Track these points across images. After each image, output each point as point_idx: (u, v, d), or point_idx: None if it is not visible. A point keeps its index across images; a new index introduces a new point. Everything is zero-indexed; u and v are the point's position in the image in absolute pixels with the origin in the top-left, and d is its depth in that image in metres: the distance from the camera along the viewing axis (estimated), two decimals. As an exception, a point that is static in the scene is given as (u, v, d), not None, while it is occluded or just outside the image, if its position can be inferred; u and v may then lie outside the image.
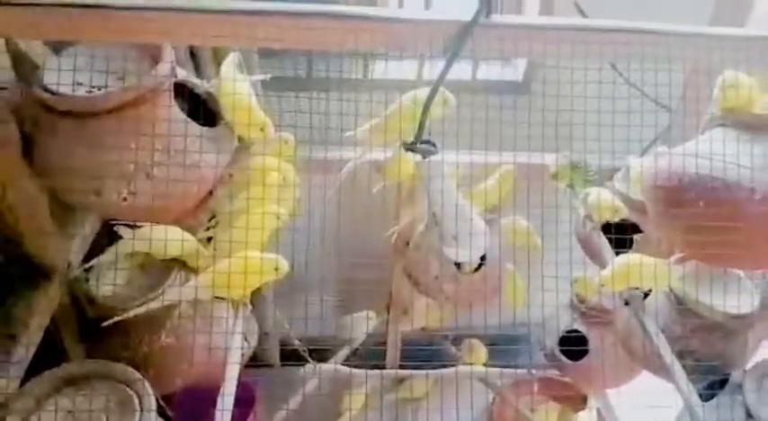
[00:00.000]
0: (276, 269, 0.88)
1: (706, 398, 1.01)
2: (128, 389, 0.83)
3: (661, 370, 0.96)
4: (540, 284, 1.56)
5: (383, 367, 1.65)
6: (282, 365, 1.73)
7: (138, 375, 0.84)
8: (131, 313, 0.87)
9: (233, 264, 0.86)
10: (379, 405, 1.56)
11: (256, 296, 1.42)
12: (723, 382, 1.02)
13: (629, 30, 0.85)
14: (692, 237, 0.97)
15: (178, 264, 0.95)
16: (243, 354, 1.44)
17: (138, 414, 0.79)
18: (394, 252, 1.42)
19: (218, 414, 0.75)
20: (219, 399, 0.76)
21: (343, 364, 1.51)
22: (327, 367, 1.37)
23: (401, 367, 1.66)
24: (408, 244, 1.38)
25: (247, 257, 0.87)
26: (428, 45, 0.78)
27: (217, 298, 0.90)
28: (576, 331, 1.49)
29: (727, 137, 0.93)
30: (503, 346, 1.71)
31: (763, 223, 0.87)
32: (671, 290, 1.06)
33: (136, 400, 0.81)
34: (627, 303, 1.02)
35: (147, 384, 0.82)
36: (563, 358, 1.49)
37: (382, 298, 1.59)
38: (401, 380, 1.65)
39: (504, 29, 0.78)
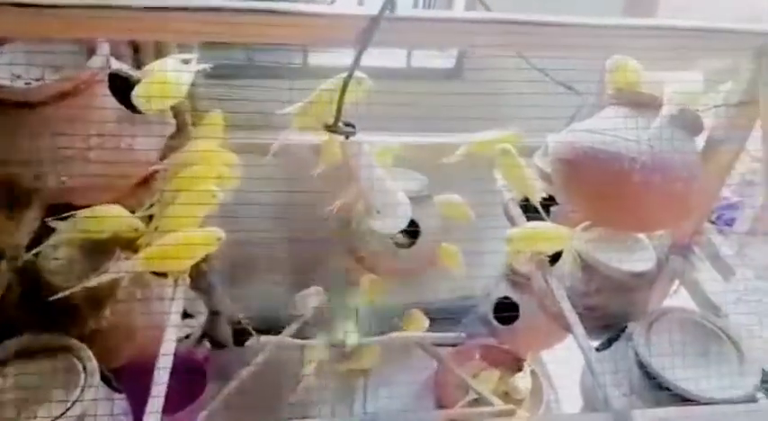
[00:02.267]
0: (217, 240, 0.95)
1: (607, 346, 1.14)
2: (72, 356, 0.90)
3: (568, 326, 1.07)
4: (480, 259, 1.68)
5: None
6: (235, 344, 1.80)
7: (80, 345, 0.91)
8: (77, 288, 0.93)
9: (172, 238, 0.93)
10: (329, 376, 1.65)
11: (204, 277, 1.49)
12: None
13: (533, 22, 0.90)
14: (589, 204, 1.10)
15: (120, 244, 1.02)
16: (190, 334, 1.53)
17: (82, 376, 0.87)
18: (338, 230, 1.51)
19: (153, 387, 0.80)
20: (155, 373, 0.82)
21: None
22: (268, 339, 1.45)
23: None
24: (350, 222, 1.47)
25: (186, 232, 0.94)
26: (340, 38, 0.86)
27: (157, 274, 0.97)
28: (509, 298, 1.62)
29: (617, 113, 1.05)
30: (446, 317, 1.83)
31: (645, 189, 0.98)
32: (577, 253, 1.18)
33: (80, 366, 0.89)
34: (538, 267, 1.14)
35: (90, 353, 0.90)
36: (495, 323, 1.61)
37: (330, 275, 1.68)
38: (347, 352, 1.73)
39: (409, 22, 0.86)
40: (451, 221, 1.49)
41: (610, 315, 1.15)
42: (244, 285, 1.74)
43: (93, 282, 0.93)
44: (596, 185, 1.03)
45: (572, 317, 0.97)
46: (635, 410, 0.82)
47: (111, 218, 0.95)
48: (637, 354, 0.99)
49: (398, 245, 1.45)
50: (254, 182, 1.12)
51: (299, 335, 1.64)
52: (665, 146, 0.95)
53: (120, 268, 0.95)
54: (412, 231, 1.41)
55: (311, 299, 1.70)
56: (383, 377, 1.73)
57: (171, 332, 0.86)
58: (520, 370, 1.72)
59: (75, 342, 0.92)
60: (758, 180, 1.28)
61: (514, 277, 1.58)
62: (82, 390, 0.86)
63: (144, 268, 0.94)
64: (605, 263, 1.13)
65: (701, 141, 1.07)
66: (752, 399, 0.95)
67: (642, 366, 0.97)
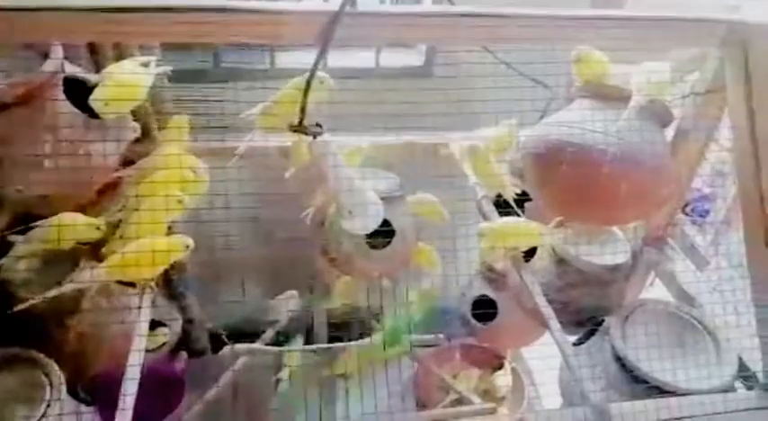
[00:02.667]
0: (184, 247, 0.93)
1: (584, 341, 1.14)
2: (38, 370, 0.87)
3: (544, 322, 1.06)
4: (455, 257, 1.66)
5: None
6: (213, 351, 1.77)
7: (46, 359, 0.88)
8: (39, 298, 0.90)
9: (139, 245, 0.90)
10: (307, 382, 1.63)
11: (175, 285, 1.46)
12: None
13: (499, 15, 0.89)
14: (560, 197, 1.09)
15: (84, 253, 0.99)
16: (166, 342, 1.49)
17: (48, 390, 0.84)
18: (311, 232, 1.49)
19: (121, 399, 0.78)
20: (123, 384, 0.79)
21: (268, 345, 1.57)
22: (242, 347, 1.42)
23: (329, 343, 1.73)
24: (323, 223, 1.45)
25: (153, 239, 0.92)
26: (303, 35, 0.84)
27: (124, 284, 0.94)
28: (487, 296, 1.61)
29: (585, 106, 1.05)
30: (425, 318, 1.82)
31: (615, 181, 0.98)
32: (552, 247, 1.18)
33: (46, 380, 0.86)
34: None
35: (56, 366, 0.87)
36: (473, 321, 1.60)
37: (305, 278, 1.66)
38: (328, 357, 1.72)
39: (371, 17, 0.84)
40: (426, 220, 1.48)
41: (585, 309, 1.14)
42: (217, 291, 1.71)
43: (54, 292, 0.90)
44: (566, 178, 1.02)
45: (548, 313, 0.97)
46: (612, 404, 0.81)
47: (73, 226, 0.92)
48: (613, 348, 0.99)
49: (372, 245, 1.43)
50: (223, 185, 1.10)
51: (279, 338, 1.63)
52: (635, 137, 0.94)
53: (84, 278, 0.91)
54: (386, 231, 1.40)
55: (287, 303, 1.68)
56: (364, 380, 1.70)
57: (139, 342, 0.83)
58: (500, 367, 1.71)
59: (40, 356, 0.89)
60: (728, 170, 1.30)
61: (491, 274, 1.57)
62: (48, 405, 0.84)
63: (109, 277, 0.91)
64: (579, 257, 1.12)
65: (671, 132, 1.08)
66: (730, 389, 0.95)
67: (619, 359, 0.97)
